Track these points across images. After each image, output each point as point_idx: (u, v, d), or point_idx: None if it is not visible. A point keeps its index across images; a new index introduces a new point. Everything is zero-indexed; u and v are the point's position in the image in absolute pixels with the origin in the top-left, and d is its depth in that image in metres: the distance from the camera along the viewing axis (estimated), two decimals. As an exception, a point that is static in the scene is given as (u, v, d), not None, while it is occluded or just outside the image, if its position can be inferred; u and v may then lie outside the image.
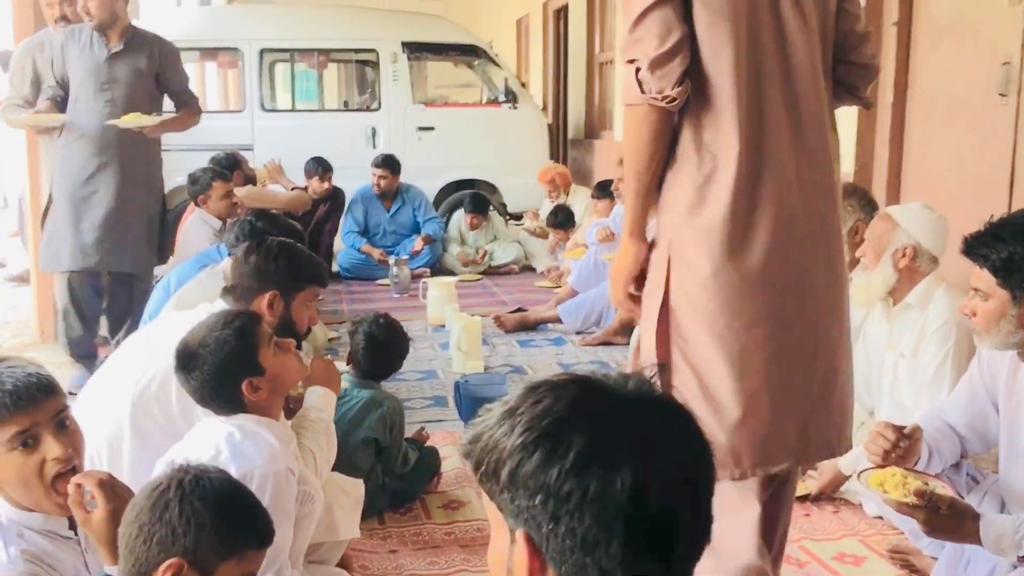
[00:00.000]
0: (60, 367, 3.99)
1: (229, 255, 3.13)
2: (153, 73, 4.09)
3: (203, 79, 11.02)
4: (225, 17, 8.67)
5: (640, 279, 1.78)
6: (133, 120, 3.91)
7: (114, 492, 1.54)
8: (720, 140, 1.64)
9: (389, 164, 6.72)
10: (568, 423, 0.86)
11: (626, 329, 4.63)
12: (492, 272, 6.89)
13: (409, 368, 4.25)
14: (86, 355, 4.15)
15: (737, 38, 1.63)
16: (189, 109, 4.24)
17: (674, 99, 1.59)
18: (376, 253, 6.68)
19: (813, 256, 1.70)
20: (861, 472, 2.10)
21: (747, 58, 1.64)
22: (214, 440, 1.84)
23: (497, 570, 0.93)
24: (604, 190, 6.00)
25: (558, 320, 5.11)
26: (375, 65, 7.73)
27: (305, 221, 6.36)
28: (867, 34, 1.83)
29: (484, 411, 0.93)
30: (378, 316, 3.05)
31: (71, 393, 2.09)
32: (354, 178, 6.78)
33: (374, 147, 7.34)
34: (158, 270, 4.40)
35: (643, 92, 1.60)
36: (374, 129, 7.49)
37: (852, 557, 2.52)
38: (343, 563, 2.39)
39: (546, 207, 7.11)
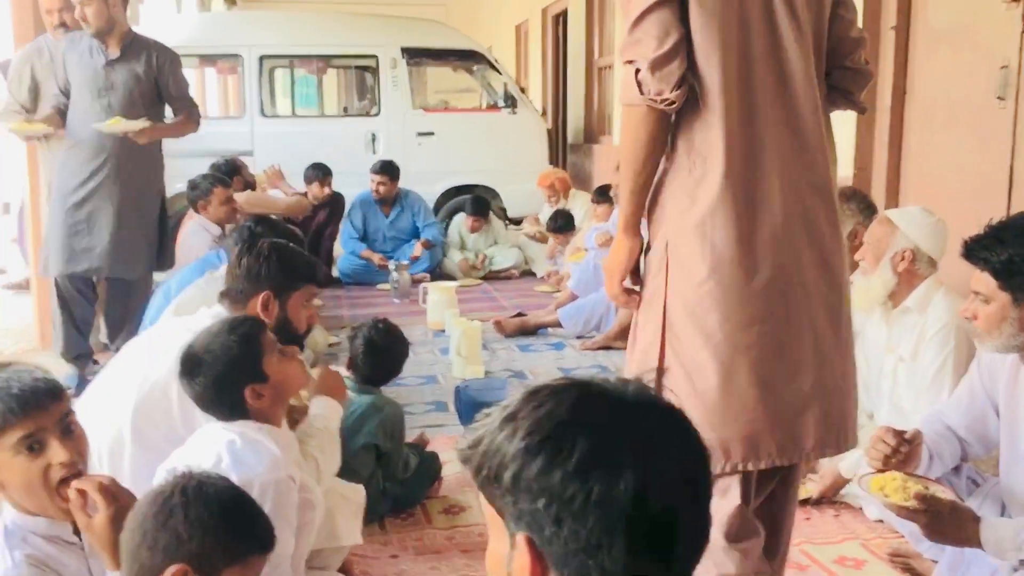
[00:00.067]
0: (59, 372, 3.99)
1: (228, 261, 3.13)
2: (152, 79, 4.09)
3: (203, 85, 11.01)
4: (225, 24, 8.68)
5: (635, 273, 1.81)
6: (117, 124, 3.90)
7: (115, 496, 1.54)
8: (709, 143, 1.67)
9: (388, 170, 6.73)
10: (570, 427, 0.87)
11: (626, 333, 4.62)
12: (492, 277, 6.89)
13: (409, 373, 4.25)
14: (77, 356, 4.15)
15: (728, 42, 1.65)
16: (187, 116, 4.22)
17: (672, 102, 1.61)
18: (376, 258, 6.68)
19: (807, 257, 1.71)
20: (862, 476, 2.10)
21: (738, 62, 1.66)
22: (215, 447, 1.84)
23: (495, 574, 0.93)
24: (604, 194, 6.01)
25: (558, 324, 5.11)
26: (375, 71, 7.74)
27: (305, 227, 6.36)
28: (861, 39, 1.84)
29: (482, 416, 0.93)
30: (377, 321, 3.05)
31: None
32: (354, 183, 6.78)
33: (374, 152, 7.35)
34: (160, 276, 4.40)
35: (642, 93, 1.61)
36: (374, 135, 7.50)
37: (853, 561, 2.52)
38: (344, 569, 2.39)
39: (546, 212, 7.11)
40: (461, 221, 7.16)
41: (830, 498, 2.83)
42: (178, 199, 5.67)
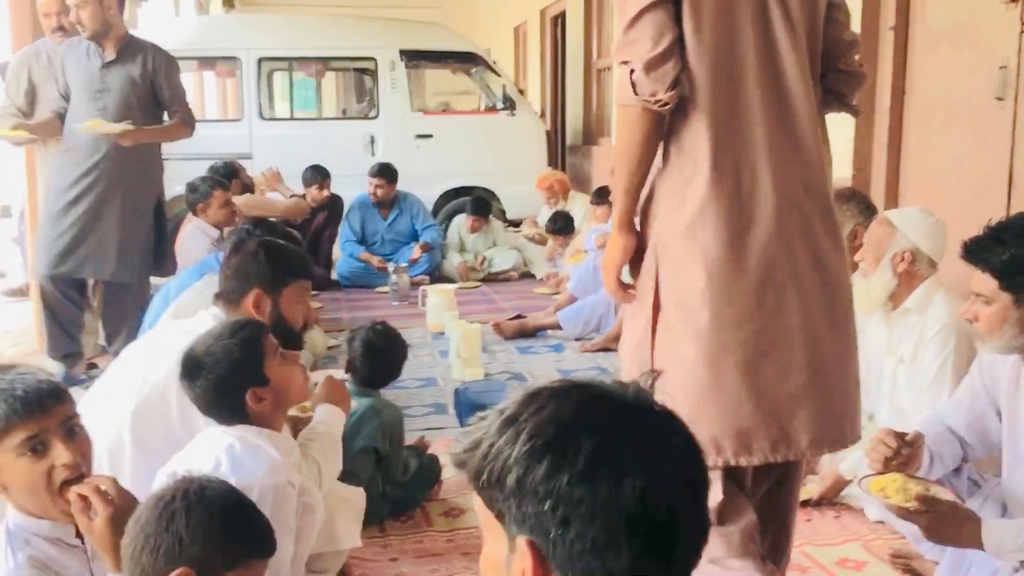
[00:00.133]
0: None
1: (226, 263, 3.12)
2: (148, 82, 4.07)
3: (201, 88, 11.04)
4: (223, 26, 8.68)
5: (634, 268, 1.83)
6: (97, 126, 3.89)
7: (115, 498, 1.54)
8: (698, 144, 1.68)
9: (385, 173, 6.72)
10: (574, 429, 0.87)
11: (625, 335, 4.62)
12: (491, 279, 6.88)
13: (409, 376, 4.25)
14: (65, 356, 4.13)
15: (721, 44, 1.66)
16: (180, 120, 4.17)
17: (666, 103, 1.63)
18: (375, 261, 6.68)
19: (801, 256, 1.72)
20: (862, 478, 2.10)
21: (730, 64, 1.68)
22: (214, 452, 1.83)
23: None
24: (603, 196, 6.01)
25: (557, 326, 5.11)
26: (373, 73, 7.74)
27: (304, 229, 6.37)
28: (854, 42, 1.86)
29: (475, 419, 0.94)
30: (375, 324, 3.04)
31: None
32: (352, 186, 6.78)
33: (372, 155, 7.35)
34: (160, 280, 4.40)
35: (637, 94, 1.63)
36: (372, 137, 7.50)
37: (854, 562, 2.51)
38: (344, 572, 2.39)
39: (544, 214, 7.11)
40: (460, 223, 7.16)
41: (831, 499, 2.82)
42: (177, 202, 5.67)
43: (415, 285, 6.09)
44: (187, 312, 2.61)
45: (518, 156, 7.68)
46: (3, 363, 1.69)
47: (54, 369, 3.99)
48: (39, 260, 4.08)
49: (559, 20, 10.60)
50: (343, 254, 6.83)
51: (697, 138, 1.68)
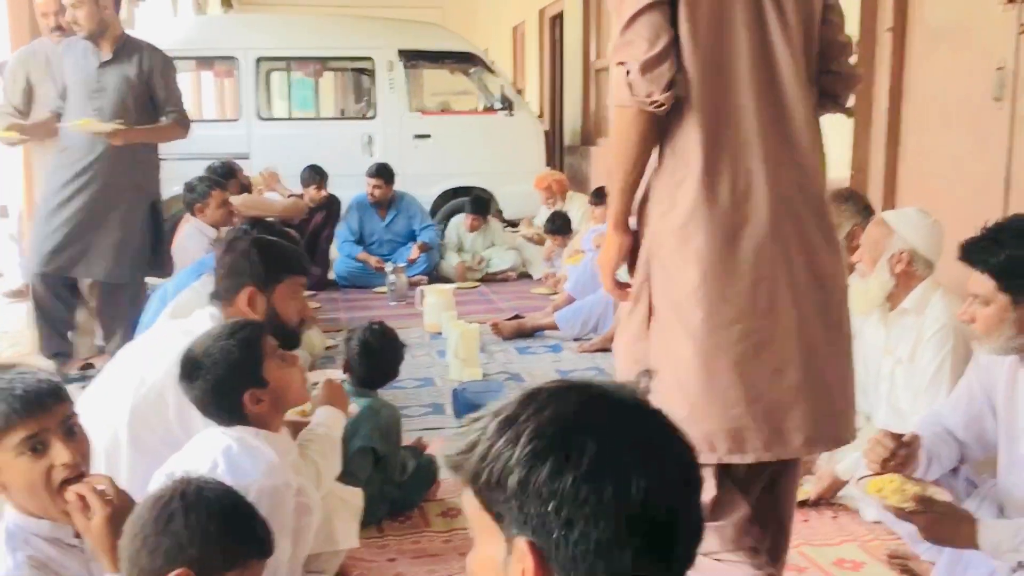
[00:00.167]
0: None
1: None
2: (144, 82, 4.05)
3: (199, 88, 11.02)
4: (221, 26, 8.68)
5: (631, 266, 1.85)
6: (87, 125, 3.88)
7: (112, 498, 1.54)
8: (690, 145, 1.70)
9: (383, 174, 6.72)
10: (577, 429, 0.88)
11: (623, 335, 4.62)
12: (489, 279, 6.88)
13: (407, 376, 4.25)
14: (55, 355, 4.12)
15: (716, 46, 1.68)
16: (174, 121, 4.13)
17: (662, 103, 1.64)
18: (373, 261, 6.68)
19: (795, 257, 1.73)
20: (859, 478, 2.11)
21: (725, 66, 1.69)
22: (212, 453, 1.83)
23: None
24: (601, 196, 6.01)
25: (555, 327, 5.11)
26: (371, 73, 7.74)
27: (302, 229, 6.37)
28: (848, 44, 1.86)
29: (468, 421, 0.94)
30: (372, 324, 3.05)
31: None
32: (351, 186, 6.78)
33: (371, 155, 7.34)
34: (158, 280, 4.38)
35: (632, 94, 1.64)
36: (370, 137, 7.49)
37: (851, 563, 2.52)
38: (342, 572, 2.39)
39: (542, 214, 7.11)
40: (459, 223, 7.16)
41: (828, 500, 2.82)
42: (174, 202, 5.66)
43: (413, 285, 6.09)
44: (185, 312, 2.60)
45: (516, 156, 7.68)
46: (2, 363, 1.70)
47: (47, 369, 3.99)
48: (30, 258, 4.07)
49: (557, 20, 10.60)
50: (341, 254, 6.82)
51: (689, 140, 1.69)
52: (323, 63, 8.59)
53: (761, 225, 1.70)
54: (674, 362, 1.72)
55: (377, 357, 2.94)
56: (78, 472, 1.56)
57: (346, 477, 2.45)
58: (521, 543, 0.87)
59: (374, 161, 6.98)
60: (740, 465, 1.76)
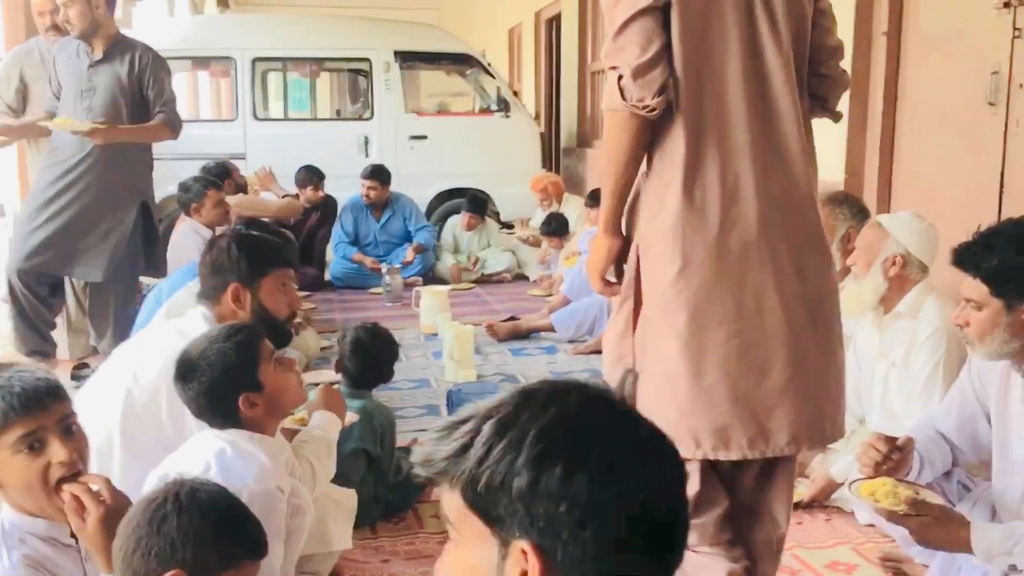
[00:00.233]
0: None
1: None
2: (136, 81, 4.01)
3: (196, 88, 11.02)
4: (218, 26, 8.67)
5: (617, 269, 1.88)
6: (66, 123, 3.85)
7: (107, 499, 1.54)
8: (677, 150, 1.72)
9: (378, 175, 6.71)
10: (584, 430, 0.88)
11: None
12: (484, 281, 6.88)
13: (402, 377, 4.24)
14: (32, 353, 4.09)
15: (707, 51, 1.70)
16: (162, 120, 4.05)
17: (654, 108, 1.66)
18: (368, 261, 6.67)
19: (784, 260, 1.75)
20: (852, 482, 2.11)
21: (716, 72, 1.72)
22: (204, 456, 1.83)
23: None
24: (598, 199, 5.97)
25: (551, 329, 5.11)
26: (368, 74, 7.73)
27: (297, 230, 6.36)
28: (837, 47, 1.88)
29: (447, 428, 0.92)
30: (366, 324, 3.05)
31: None
32: (346, 187, 6.77)
33: (366, 156, 7.34)
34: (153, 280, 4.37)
35: (624, 99, 1.66)
36: (366, 138, 7.49)
37: (844, 565, 2.52)
38: (335, 573, 2.39)
39: (538, 216, 7.11)
40: (455, 224, 7.16)
41: (821, 502, 2.83)
42: (170, 202, 5.65)
43: (408, 286, 6.08)
44: (180, 312, 2.60)
45: (512, 158, 7.68)
46: (1, 361, 1.70)
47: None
48: (10, 255, 4.03)
49: (554, 22, 10.61)
50: (336, 256, 6.82)
51: (679, 144, 1.72)
52: (319, 64, 8.59)
53: (749, 228, 1.72)
54: (662, 361, 1.75)
55: (370, 356, 2.94)
56: (75, 471, 1.56)
57: (339, 479, 2.45)
58: (523, 546, 0.87)
59: (370, 162, 6.98)
60: (725, 461, 1.79)
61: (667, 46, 1.67)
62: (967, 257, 2.00)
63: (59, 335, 4.38)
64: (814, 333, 1.78)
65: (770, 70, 1.73)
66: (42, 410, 1.54)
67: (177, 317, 2.48)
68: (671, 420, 1.70)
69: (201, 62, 8.17)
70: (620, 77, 1.66)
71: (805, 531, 2.70)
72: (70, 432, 1.59)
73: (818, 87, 1.87)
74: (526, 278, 6.96)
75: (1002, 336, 1.97)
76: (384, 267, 6.26)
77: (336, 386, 2.97)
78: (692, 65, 1.69)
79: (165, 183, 5.98)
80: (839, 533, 2.70)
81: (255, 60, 7.41)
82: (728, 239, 1.72)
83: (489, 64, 8.00)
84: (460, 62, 7.99)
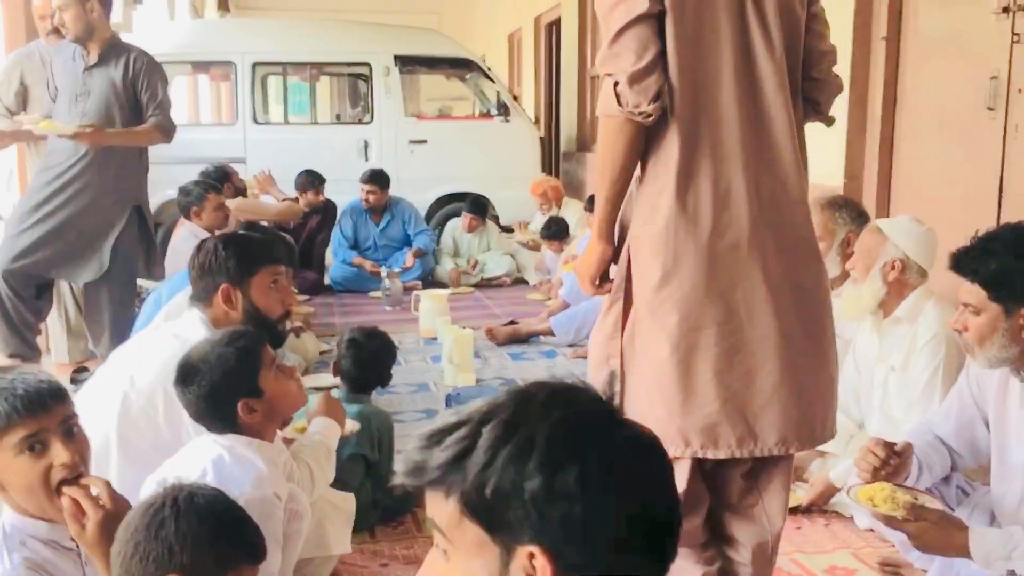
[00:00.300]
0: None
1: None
2: (130, 85, 3.98)
3: (196, 92, 11.03)
4: (218, 31, 8.68)
5: (606, 274, 1.91)
6: (49, 127, 3.84)
7: (107, 501, 1.54)
8: (672, 155, 1.75)
9: (377, 179, 6.71)
10: (589, 430, 0.89)
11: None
12: (484, 285, 6.88)
13: (401, 381, 4.25)
14: (11, 356, 4.05)
15: (701, 59, 1.73)
16: (153, 124, 4.00)
17: (649, 114, 1.69)
18: (368, 265, 6.67)
19: (775, 265, 1.78)
20: (850, 487, 2.11)
21: (709, 78, 1.74)
22: (202, 462, 1.83)
23: None
24: (596, 203, 6.00)
25: (550, 333, 5.11)
26: (368, 78, 7.75)
27: (297, 233, 6.36)
28: (830, 52, 1.90)
29: (435, 435, 0.91)
30: (363, 326, 3.06)
31: None
32: (346, 191, 6.78)
33: (366, 160, 7.35)
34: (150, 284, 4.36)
35: (620, 105, 1.68)
36: (366, 142, 7.50)
37: (843, 570, 2.52)
38: (333, 578, 2.38)
39: (538, 220, 7.12)
40: (454, 227, 7.16)
41: (820, 507, 2.83)
42: (170, 206, 5.66)
43: (408, 290, 6.08)
44: (179, 315, 2.60)
45: (512, 162, 7.69)
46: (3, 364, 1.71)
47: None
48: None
49: (554, 27, 10.62)
50: (335, 259, 6.82)
51: (672, 149, 1.74)
52: (319, 68, 8.60)
53: (740, 232, 1.75)
54: (652, 362, 1.78)
55: (367, 358, 2.93)
56: (77, 472, 1.57)
57: (338, 484, 2.45)
58: (531, 550, 0.86)
59: (370, 166, 6.98)
60: (712, 460, 1.82)
61: (662, 53, 1.69)
62: (965, 262, 2.00)
63: (59, 339, 4.38)
64: (805, 336, 1.80)
65: (762, 77, 1.76)
66: (44, 412, 1.54)
67: (175, 320, 2.48)
68: (661, 420, 1.73)
69: (201, 66, 8.18)
70: (616, 84, 1.68)
71: (804, 536, 2.70)
72: (72, 434, 1.59)
73: (810, 90, 1.89)
74: (526, 282, 6.96)
75: (1000, 341, 1.96)
76: (384, 271, 6.26)
77: (334, 391, 2.98)
78: (687, 72, 1.72)
79: (165, 187, 5.99)
80: (838, 538, 2.69)
81: (255, 64, 7.42)
82: (719, 243, 1.74)
83: (489, 68, 8.01)
84: (460, 66, 8.00)
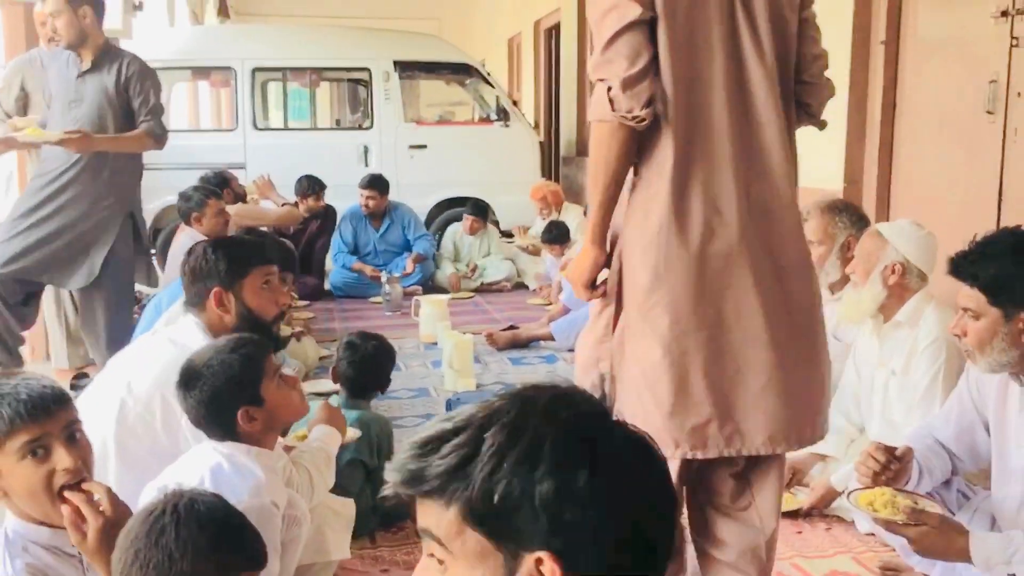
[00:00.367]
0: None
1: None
2: (123, 91, 3.95)
3: (196, 98, 11.04)
4: (218, 36, 8.69)
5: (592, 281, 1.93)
6: (34, 134, 3.83)
7: (108, 508, 1.55)
8: (664, 160, 1.77)
9: (376, 185, 6.71)
10: (595, 432, 0.89)
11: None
12: (484, 290, 6.88)
13: (401, 386, 4.25)
14: None
15: (692, 65, 1.75)
16: (144, 130, 3.96)
17: (643, 119, 1.71)
18: (368, 270, 6.67)
19: (764, 270, 1.80)
20: (850, 492, 2.10)
21: (700, 85, 1.76)
22: (200, 470, 1.83)
23: None
24: (596, 208, 5.99)
25: (550, 338, 5.11)
26: (367, 84, 7.75)
27: (297, 239, 6.37)
28: (820, 56, 1.91)
29: (433, 440, 0.89)
30: (363, 331, 3.06)
31: None
32: (346, 196, 6.78)
33: (366, 165, 7.35)
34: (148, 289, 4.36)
35: (614, 110, 1.70)
36: (366, 147, 7.50)
37: (844, 574, 2.51)
38: (333, 583, 2.38)
39: (538, 225, 7.12)
40: (454, 232, 7.16)
41: (821, 511, 2.82)
42: (170, 211, 5.66)
43: (408, 295, 6.08)
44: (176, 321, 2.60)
45: (512, 167, 7.69)
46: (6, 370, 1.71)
47: None
48: None
49: (553, 32, 10.63)
50: (335, 265, 6.82)
51: (664, 154, 1.76)
52: (319, 73, 8.60)
53: (731, 236, 1.77)
54: (643, 365, 1.80)
55: (364, 359, 2.93)
56: (79, 477, 1.57)
57: (337, 489, 2.44)
58: (538, 556, 0.85)
59: (370, 171, 6.99)
60: (702, 461, 1.85)
61: (654, 59, 1.71)
62: (964, 267, 2.00)
63: (58, 345, 4.38)
64: (795, 339, 1.83)
65: (753, 82, 1.78)
66: (48, 417, 1.55)
67: (172, 326, 2.48)
68: (651, 422, 1.75)
69: (201, 72, 8.19)
70: (609, 89, 1.70)
71: (805, 540, 2.70)
72: (74, 439, 1.60)
73: (802, 93, 1.91)
74: (526, 287, 6.96)
75: (1000, 345, 1.96)
76: (384, 276, 6.26)
77: (333, 397, 2.98)
78: (679, 77, 1.74)
79: (165, 193, 6.00)
80: (839, 542, 2.69)
81: (255, 70, 7.43)
82: (710, 248, 1.77)
83: (488, 73, 8.02)
84: (460, 71, 8.01)
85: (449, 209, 7.60)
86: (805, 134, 1.99)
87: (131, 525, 1.43)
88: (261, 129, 7.62)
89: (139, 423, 2.12)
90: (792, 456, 2.86)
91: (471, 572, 0.88)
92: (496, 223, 7.66)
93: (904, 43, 4.24)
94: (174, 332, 2.32)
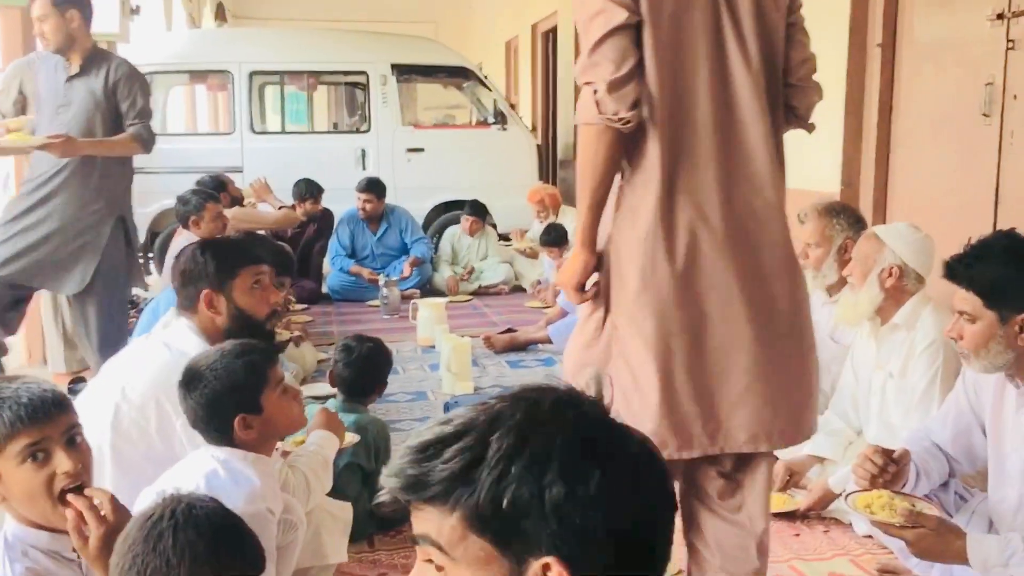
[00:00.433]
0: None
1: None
2: (111, 95, 3.92)
3: (193, 102, 11.04)
4: (215, 40, 8.69)
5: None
6: (18, 139, 3.81)
7: (110, 514, 1.55)
8: (651, 163, 1.78)
9: (373, 188, 6.71)
10: (601, 434, 0.89)
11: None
12: (482, 293, 6.88)
13: (398, 389, 4.25)
14: None
15: (677, 69, 1.77)
16: (131, 134, 3.91)
17: (629, 121, 1.72)
18: (366, 273, 6.67)
19: (749, 272, 1.81)
20: (848, 494, 2.11)
21: (685, 88, 1.78)
22: (195, 476, 1.83)
23: None
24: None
25: (548, 341, 5.11)
26: (365, 87, 7.75)
27: (294, 242, 6.37)
28: (807, 59, 1.92)
29: (434, 444, 0.87)
30: (358, 334, 3.06)
31: None
32: (344, 199, 6.78)
33: (364, 168, 7.35)
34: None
35: (600, 112, 1.72)
36: (364, 151, 7.50)
37: (842, 577, 2.52)
38: (332, 587, 2.38)
39: (535, 228, 7.12)
40: (452, 235, 7.16)
41: (819, 513, 2.82)
42: (168, 215, 5.65)
43: (406, 299, 6.08)
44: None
45: (509, 170, 7.69)
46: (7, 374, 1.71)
47: None
48: None
49: (550, 35, 10.64)
50: (333, 268, 6.82)
51: (651, 157, 1.78)
52: (317, 77, 8.61)
53: (715, 238, 1.79)
54: (631, 366, 1.81)
55: (360, 360, 2.93)
56: (79, 481, 1.57)
57: (334, 493, 2.44)
58: (545, 561, 0.84)
59: (367, 174, 6.99)
60: (688, 461, 1.87)
61: (640, 63, 1.73)
62: (959, 270, 2.00)
63: (55, 349, 4.38)
64: (779, 340, 1.84)
65: (738, 85, 1.79)
66: (48, 421, 1.55)
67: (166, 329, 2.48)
68: (640, 423, 1.75)
69: (198, 76, 8.19)
70: (595, 92, 1.72)
71: (803, 543, 2.70)
72: (74, 443, 1.60)
73: (789, 97, 1.91)
74: (523, 290, 6.96)
75: (996, 348, 1.97)
76: (381, 279, 6.26)
77: (331, 401, 2.98)
78: (665, 81, 1.75)
79: (162, 196, 6.00)
80: (837, 545, 2.69)
81: (252, 74, 7.42)
82: (696, 249, 1.78)
83: (486, 77, 8.03)
84: (457, 75, 8.01)
85: (447, 212, 7.61)
86: (802, 137, 1.99)
87: (129, 530, 1.43)
88: (258, 133, 7.62)
89: (134, 428, 2.12)
90: (790, 458, 2.87)
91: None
92: (494, 226, 7.67)
93: (900, 46, 4.25)
94: (168, 336, 2.31)
